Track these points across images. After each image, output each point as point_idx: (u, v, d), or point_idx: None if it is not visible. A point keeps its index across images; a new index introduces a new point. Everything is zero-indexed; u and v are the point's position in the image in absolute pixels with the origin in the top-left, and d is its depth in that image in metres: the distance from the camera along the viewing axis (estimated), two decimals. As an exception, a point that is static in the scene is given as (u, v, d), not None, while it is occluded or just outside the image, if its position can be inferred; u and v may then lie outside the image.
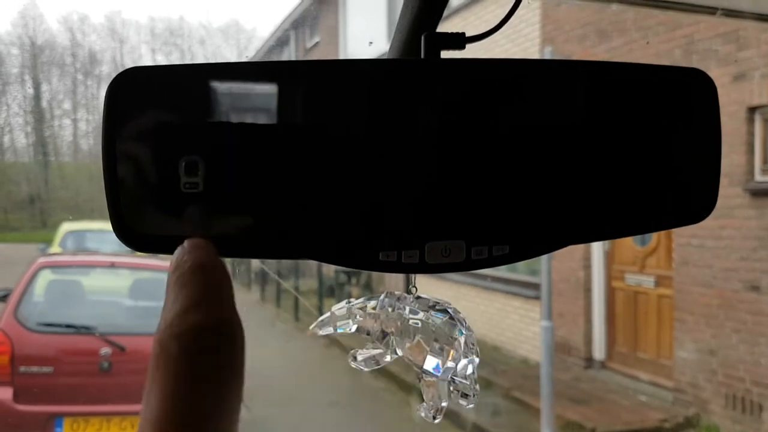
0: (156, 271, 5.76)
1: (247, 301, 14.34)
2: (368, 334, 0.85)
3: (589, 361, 6.96)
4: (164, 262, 6.74)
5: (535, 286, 7.75)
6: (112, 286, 6.06)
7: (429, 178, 0.55)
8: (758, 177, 5.13)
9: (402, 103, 0.55)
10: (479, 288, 8.82)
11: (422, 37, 0.67)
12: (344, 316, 0.85)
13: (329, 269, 12.26)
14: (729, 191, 5.24)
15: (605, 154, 0.58)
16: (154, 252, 0.53)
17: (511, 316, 8.18)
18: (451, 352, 0.73)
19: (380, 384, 7.47)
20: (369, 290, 11.38)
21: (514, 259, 0.57)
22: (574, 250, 7.04)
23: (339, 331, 0.87)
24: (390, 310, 0.80)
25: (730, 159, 5.22)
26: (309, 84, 0.55)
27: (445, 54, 0.66)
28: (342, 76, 0.56)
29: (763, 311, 5.06)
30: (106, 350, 4.76)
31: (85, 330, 4.82)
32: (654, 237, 6.28)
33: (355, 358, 0.88)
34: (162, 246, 0.53)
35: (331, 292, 11.89)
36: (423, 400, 0.75)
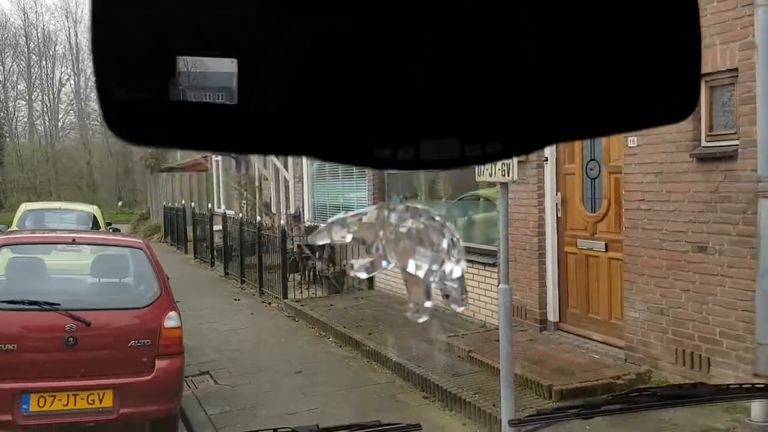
0: (117, 247, 5.77)
1: (210, 277, 14.34)
2: (364, 243, 0.91)
3: (544, 323, 7.20)
4: (125, 237, 6.73)
5: (492, 254, 7.94)
6: (74, 264, 6.04)
7: (422, 74, 0.55)
8: (704, 143, 5.32)
9: None
10: (440, 257, 8.98)
11: None
12: (341, 227, 0.90)
13: (293, 244, 12.31)
14: (676, 157, 5.44)
15: (590, 50, 0.59)
16: (149, 145, 0.56)
17: (470, 283, 8.39)
18: (437, 255, 0.80)
19: (345, 352, 7.63)
20: (333, 264, 11.49)
21: (506, 155, 0.59)
22: (528, 218, 7.25)
23: (335, 241, 0.92)
24: (383, 219, 0.86)
25: (678, 126, 5.36)
26: None
27: None
28: None
29: (710, 271, 5.27)
30: (71, 326, 4.76)
31: (49, 306, 4.80)
32: (604, 203, 6.51)
33: (352, 267, 0.94)
34: (158, 139, 0.53)
35: (295, 266, 11.96)
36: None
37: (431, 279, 0.77)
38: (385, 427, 1.20)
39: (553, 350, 6.58)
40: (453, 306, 0.79)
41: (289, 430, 1.09)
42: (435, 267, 0.77)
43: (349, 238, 0.85)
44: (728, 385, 1.30)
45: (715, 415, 4.94)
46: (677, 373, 5.64)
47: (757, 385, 1.25)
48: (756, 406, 4.73)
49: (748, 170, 4.82)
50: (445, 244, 0.77)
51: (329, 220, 0.82)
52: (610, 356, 6.34)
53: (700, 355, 5.43)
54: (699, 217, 5.29)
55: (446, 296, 0.79)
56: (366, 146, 0.54)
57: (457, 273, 0.76)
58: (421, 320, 0.79)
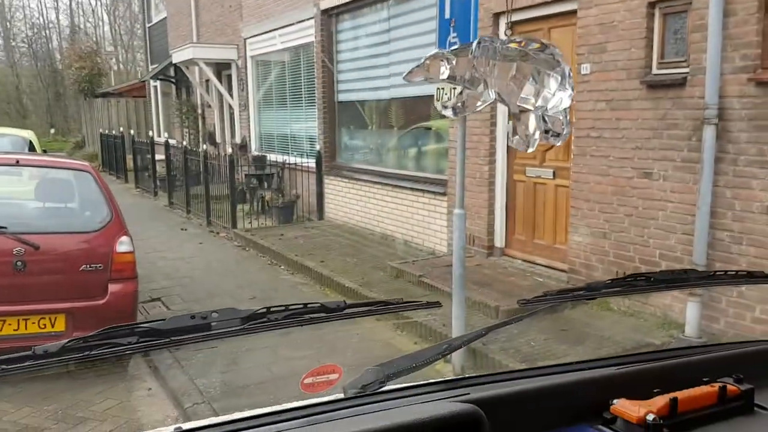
0: (62, 170, 5.57)
1: (155, 207, 14.06)
2: (456, 80, 0.88)
3: (491, 249, 7.39)
4: (70, 160, 6.49)
5: (442, 183, 8.06)
6: (16, 190, 5.83)
7: None
8: (655, 70, 5.39)
9: None
10: (389, 187, 9.06)
11: None
12: (437, 61, 0.87)
13: (240, 174, 12.16)
14: (627, 84, 5.52)
15: None
16: None
17: (420, 212, 8.51)
18: (544, 86, 0.79)
19: (298, 279, 7.70)
20: (281, 195, 11.43)
21: None
22: (479, 146, 7.33)
23: (429, 77, 0.89)
24: (484, 52, 0.84)
25: (630, 53, 5.47)
26: None
27: None
28: None
29: (653, 196, 5.44)
30: (18, 249, 4.65)
31: (-5, 230, 4.66)
32: (554, 131, 6.62)
33: (444, 107, 0.93)
34: None
35: (242, 196, 11.85)
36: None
37: (539, 110, 0.79)
38: (406, 304, 1.26)
39: (500, 274, 6.79)
40: (552, 140, 0.81)
41: (318, 305, 1.14)
42: (540, 100, 0.78)
43: (445, 74, 0.84)
44: (714, 271, 1.40)
45: (652, 332, 5.24)
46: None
47: (740, 273, 1.35)
48: (689, 324, 5.05)
49: (696, 97, 4.97)
50: (552, 78, 0.78)
51: (427, 55, 0.81)
52: (553, 279, 6.60)
53: (640, 277, 5.68)
54: (646, 144, 5.45)
55: (546, 131, 0.81)
56: None
57: (563, 104, 0.77)
58: (529, 150, 0.81)
